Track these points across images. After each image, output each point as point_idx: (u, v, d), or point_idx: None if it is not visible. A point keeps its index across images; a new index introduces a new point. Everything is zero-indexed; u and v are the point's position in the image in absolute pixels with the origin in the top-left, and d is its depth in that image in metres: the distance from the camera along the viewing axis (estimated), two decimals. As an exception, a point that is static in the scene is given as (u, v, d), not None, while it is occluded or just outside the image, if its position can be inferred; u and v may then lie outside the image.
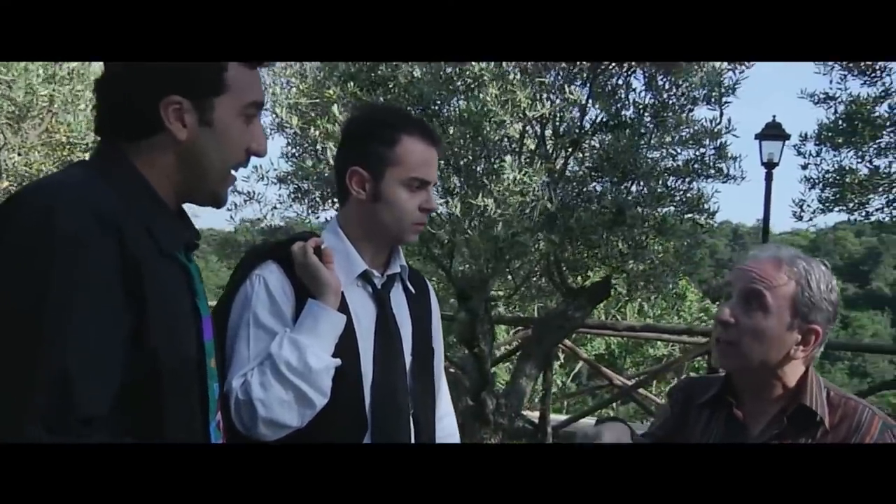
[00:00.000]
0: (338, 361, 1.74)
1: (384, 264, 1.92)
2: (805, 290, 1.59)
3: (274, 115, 4.71)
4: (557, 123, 5.33)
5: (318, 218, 6.06)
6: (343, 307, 1.79)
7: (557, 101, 4.58)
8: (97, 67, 7.66)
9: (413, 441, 1.89)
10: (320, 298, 1.75)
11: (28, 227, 1.17)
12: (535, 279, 6.81)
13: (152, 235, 1.28)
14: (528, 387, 6.07)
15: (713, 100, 4.77)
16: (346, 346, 1.78)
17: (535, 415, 7.34)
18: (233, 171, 1.43)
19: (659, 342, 12.04)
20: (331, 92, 4.64)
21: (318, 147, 4.80)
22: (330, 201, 5.93)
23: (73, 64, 6.91)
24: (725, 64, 5.05)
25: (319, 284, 1.76)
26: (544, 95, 4.88)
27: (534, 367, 6.05)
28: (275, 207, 5.74)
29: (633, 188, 5.24)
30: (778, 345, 1.60)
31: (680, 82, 5.02)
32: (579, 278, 6.02)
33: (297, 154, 5.11)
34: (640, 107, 5.44)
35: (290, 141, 5.09)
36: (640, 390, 7.86)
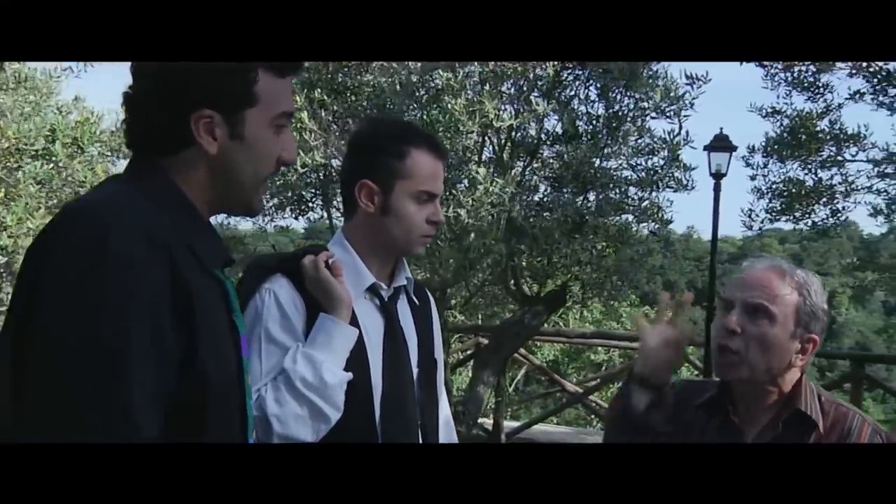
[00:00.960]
0: (350, 375, 1.74)
1: (390, 276, 1.93)
2: (807, 299, 1.64)
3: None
4: (514, 134, 5.41)
5: (275, 225, 6.01)
6: (353, 321, 1.78)
7: (523, 112, 4.63)
8: (40, 72, 7.50)
9: (419, 448, 1.91)
10: (333, 313, 1.75)
11: (82, 250, 1.15)
12: (487, 287, 6.88)
13: (195, 253, 1.26)
14: (485, 394, 6.12)
15: (672, 113, 4.91)
16: (357, 359, 1.78)
17: (489, 422, 7.38)
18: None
19: (599, 348, 12.24)
20: (295, 98, 4.61)
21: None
22: (290, 209, 5.89)
23: (15, 65, 6.70)
24: (683, 79, 5.21)
25: (332, 299, 1.75)
26: (507, 106, 4.94)
27: (491, 375, 6.09)
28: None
29: (592, 197, 5.34)
30: (781, 354, 1.64)
31: (637, 95, 5.14)
32: (535, 286, 6.10)
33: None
34: (595, 118, 5.56)
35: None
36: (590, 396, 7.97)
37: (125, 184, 1.31)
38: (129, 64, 1.35)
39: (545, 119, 5.27)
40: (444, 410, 2.11)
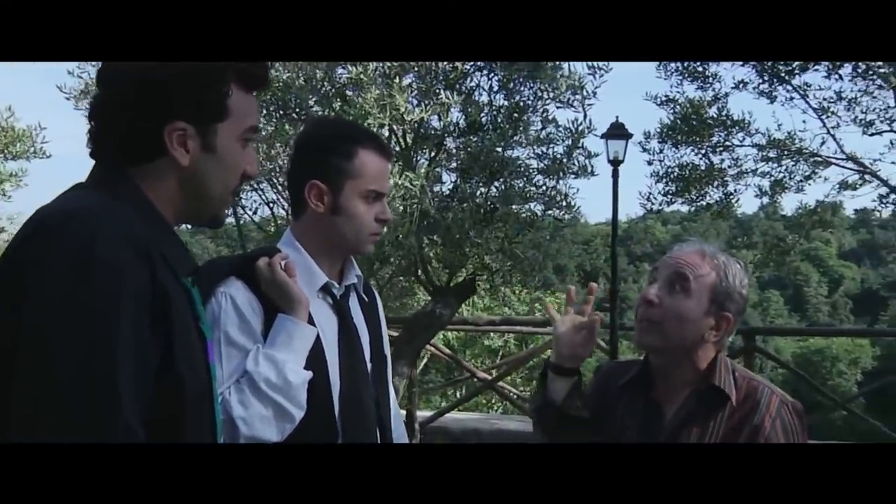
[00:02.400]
0: (311, 374, 1.76)
1: (340, 275, 1.95)
2: (723, 280, 1.77)
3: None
4: (419, 127, 5.44)
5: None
6: (309, 320, 1.80)
7: (432, 104, 4.68)
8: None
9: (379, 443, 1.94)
10: (291, 314, 1.76)
11: (69, 257, 1.14)
12: (395, 279, 6.91)
13: (167, 261, 1.27)
14: (400, 385, 6.15)
15: (576, 102, 5.06)
16: (315, 357, 1.80)
17: (402, 412, 7.42)
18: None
19: (493, 334, 12.50)
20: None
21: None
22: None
23: None
24: (586, 69, 5.36)
25: (290, 300, 1.76)
26: (413, 99, 4.97)
27: (405, 366, 6.13)
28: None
29: (501, 186, 5.44)
30: (695, 327, 1.77)
31: (541, 85, 5.27)
32: (444, 276, 6.16)
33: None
34: (498, 108, 5.66)
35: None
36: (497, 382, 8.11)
37: (95, 192, 1.29)
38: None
39: (449, 110, 5.32)
40: (395, 405, 2.15)
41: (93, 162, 1.37)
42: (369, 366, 1.95)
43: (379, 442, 1.94)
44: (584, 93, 5.03)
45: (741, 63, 6.13)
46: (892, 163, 8.02)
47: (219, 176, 1.37)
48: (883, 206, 7.72)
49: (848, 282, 52.63)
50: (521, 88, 5.67)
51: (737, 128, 6.72)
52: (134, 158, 1.31)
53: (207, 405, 1.35)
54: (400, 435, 2.15)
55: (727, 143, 6.76)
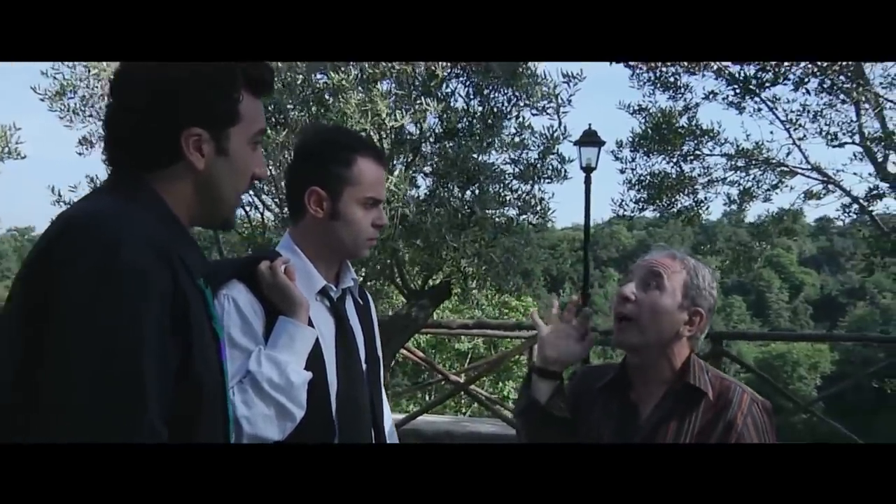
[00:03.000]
0: (311, 374, 1.81)
1: (336, 278, 2.00)
2: (693, 278, 1.87)
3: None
4: (394, 132, 5.49)
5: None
6: (309, 322, 1.85)
7: (412, 110, 4.73)
8: None
9: (374, 442, 2.00)
10: (292, 316, 1.81)
11: (94, 261, 1.18)
12: (370, 283, 6.93)
13: (185, 263, 1.31)
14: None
15: (552, 110, 5.15)
16: (314, 358, 1.85)
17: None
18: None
19: (464, 337, 12.56)
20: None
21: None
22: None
23: None
24: (561, 77, 5.46)
25: (291, 303, 1.82)
26: (391, 103, 5.02)
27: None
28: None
29: (477, 191, 5.51)
30: (670, 320, 1.86)
31: (516, 92, 5.35)
32: (419, 280, 6.21)
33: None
34: (473, 114, 5.73)
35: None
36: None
37: (115, 196, 1.33)
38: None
39: (426, 116, 5.38)
40: (386, 405, 2.21)
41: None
42: (364, 366, 2.01)
43: (374, 441, 2.00)
44: (559, 100, 5.11)
45: (713, 73, 6.30)
46: (854, 174, 8.32)
47: (231, 179, 1.42)
48: (846, 215, 7.96)
49: (808, 288, 53.53)
50: (496, 95, 5.75)
51: (706, 137, 6.89)
52: (150, 164, 1.35)
53: (221, 403, 1.39)
54: (390, 433, 2.21)
55: (697, 151, 6.93)
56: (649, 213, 7.54)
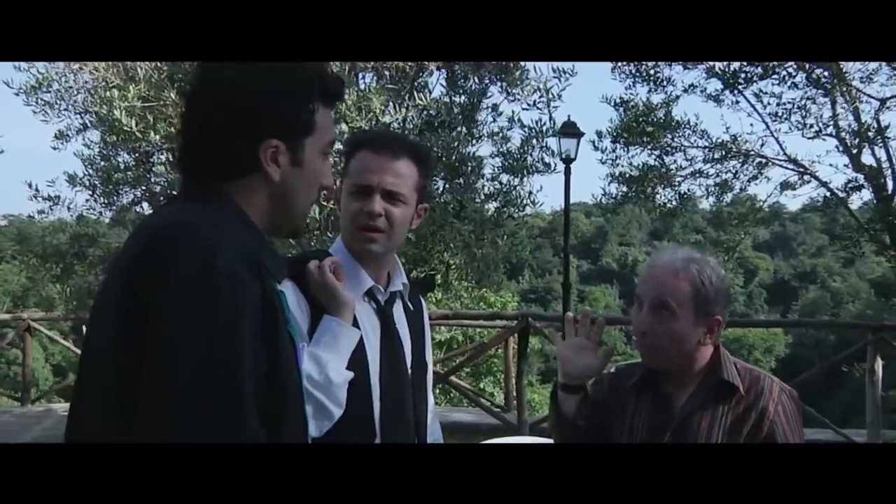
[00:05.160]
0: (352, 374, 1.82)
1: (387, 281, 2.02)
2: (701, 288, 1.87)
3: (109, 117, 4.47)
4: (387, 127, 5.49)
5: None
6: (354, 323, 1.86)
7: (406, 107, 4.75)
8: None
9: (416, 447, 2.01)
10: (338, 316, 1.81)
11: (191, 270, 1.19)
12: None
13: (269, 270, 1.32)
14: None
15: (541, 104, 5.21)
16: (357, 359, 1.85)
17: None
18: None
19: (442, 327, 12.62)
20: (167, 94, 4.48)
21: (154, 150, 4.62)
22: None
23: None
24: (552, 73, 5.50)
25: (337, 303, 1.82)
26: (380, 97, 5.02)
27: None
28: (81, 215, 5.50)
29: (464, 183, 5.55)
30: (690, 341, 1.89)
31: (507, 87, 5.40)
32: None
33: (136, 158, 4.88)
34: (462, 107, 5.75)
35: (130, 146, 4.86)
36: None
37: (198, 205, 1.33)
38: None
39: (417, 110, 5.40)
40: (432, 410, 2.22)
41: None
42: (409, 372, 2.02)
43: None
44: (550, 95, 5.17)
45: (700, 69, 6.41)
46: (830, 165, 8.60)
47: (304, 189, 1.43)
48: (825, 205, 8.17)
49: (762, 272, 54.58)
50: (486, 89, 5.80)
51: (687, 129, 7.00)
52: (228, 175, 1.36)
53: (300, 404, 1.42)
54: (436, 439, 2.23)
55: (674, 143, 7.03)
56: (626, 203, 7.67)
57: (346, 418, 1.80)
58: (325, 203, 1.83)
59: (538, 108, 5.30)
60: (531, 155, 5.68)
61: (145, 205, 6.00)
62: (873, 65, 7.36)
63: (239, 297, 1.21)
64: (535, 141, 5.51)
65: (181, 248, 1.21)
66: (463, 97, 5.88)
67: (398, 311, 2.03)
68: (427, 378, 2.11)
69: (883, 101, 7.65)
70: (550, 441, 2.13)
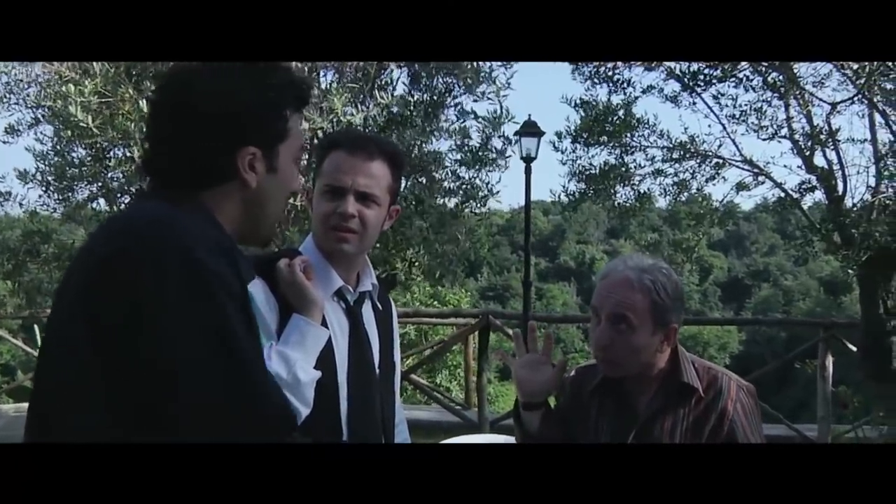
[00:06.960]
0: (319, 373, 1.82)
1: (356, 281, 2.01)
2: (657, 298, 1.89)
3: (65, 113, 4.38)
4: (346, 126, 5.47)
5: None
6: (322, 322, 1.86)
7: (367, 107, 4.74)
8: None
9: (382, 447, 2.01)
10: (307, 315, 1.80)
11: (174, 262, 1.20)
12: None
13: (240, 269, 1.33)
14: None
15: (492, 94, 5.23)
16: (325, 359, 1.84)
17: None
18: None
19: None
20: (124, 90, 4.41)
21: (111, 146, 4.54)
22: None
23: None
24: (497, 63, 5.51)
25: (307, 302, 1.80)
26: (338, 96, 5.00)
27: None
28: (34, 212, 5.40)
29: (423, 180, 5.55)
30: (648, 350, 1.92)
31: (455, 80, 5.42)
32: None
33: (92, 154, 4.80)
34: (416, 103, 5.75)
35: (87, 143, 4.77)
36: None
37: (172, 205, 1.32)
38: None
39: (379, 107, 5.38)
40: (400, 410, 2.23)
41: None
42: (378, 371, 2.02)
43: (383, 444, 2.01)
44: (498, 84, 5.20)
45: (661, 70, 6.50)
46: (785, 166, 8.81)
47: (277, 195, 1.44)
48: (779, 205, 8.35)
49: (717, 271, 55.40)
50: (437, 84, 5.80)
51: (647, 129, 7.12)
52: (203, 182, 1.36)
53: None
54: (403, 439, 2.22)
55: (634, 143, 7.13)
56: (585, 203, 7.76)
57: (313, 417, 1.79)
58: (290, 201, 1.82)
59: (489, 98, 5.33)
60: (488, 147, 5.70)
61: (101, 201, 5.90)
62: (825, 70, 7.57)
63: (225, 290, 1.23)
64: (491, 130, 5.53)
65: (159, 242, 1.22)
66: (426, 95, 5.87)
67: (367, 312, 2.03)
68: (395, 378, 2.12)
69: (834, 105, 7.85)
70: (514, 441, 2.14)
